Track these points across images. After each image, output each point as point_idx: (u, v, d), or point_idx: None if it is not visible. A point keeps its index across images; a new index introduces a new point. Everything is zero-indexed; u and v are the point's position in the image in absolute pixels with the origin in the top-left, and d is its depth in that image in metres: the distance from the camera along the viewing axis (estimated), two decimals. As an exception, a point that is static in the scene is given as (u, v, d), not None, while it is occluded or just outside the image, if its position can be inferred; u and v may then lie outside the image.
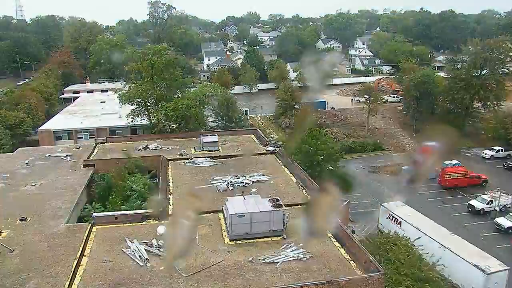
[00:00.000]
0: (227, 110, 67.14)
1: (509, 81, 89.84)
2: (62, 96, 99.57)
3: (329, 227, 21.90)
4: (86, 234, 27.45)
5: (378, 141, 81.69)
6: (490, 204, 50.01)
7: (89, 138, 61.22)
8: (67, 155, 44.68)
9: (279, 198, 28.62)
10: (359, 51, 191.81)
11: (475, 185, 58.19)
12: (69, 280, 22.54)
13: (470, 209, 51.08)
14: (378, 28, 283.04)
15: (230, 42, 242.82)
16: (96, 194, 37.82)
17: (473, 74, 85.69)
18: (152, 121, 58.63)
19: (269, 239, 26.92)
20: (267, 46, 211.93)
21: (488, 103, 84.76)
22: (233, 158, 43.53)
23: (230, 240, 26.70)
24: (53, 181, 37.48)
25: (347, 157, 71.82)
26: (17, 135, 65.25)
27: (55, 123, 66.57)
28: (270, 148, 45.84)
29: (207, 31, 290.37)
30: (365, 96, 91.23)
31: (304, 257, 24.64)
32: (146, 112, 60.05)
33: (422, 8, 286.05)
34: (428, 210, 48.13)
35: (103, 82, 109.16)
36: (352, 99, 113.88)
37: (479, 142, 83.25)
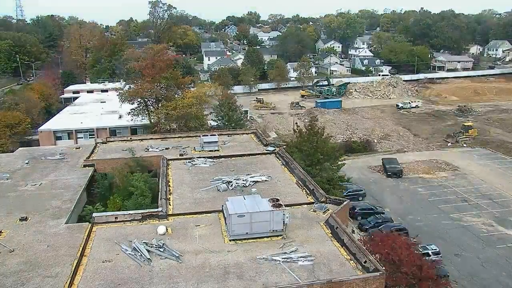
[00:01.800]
0: (228, 110, 67.03)
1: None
2: (62, 96, 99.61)
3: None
4: (86, 234, 27.45)
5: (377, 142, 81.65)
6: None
7: (89, 138, 61.22)
8: (62, 155, 44.60)
9: (279, 198, 28.60)
10: (359, 51, 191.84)
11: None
12: (69, 280, 22.53)
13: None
14: (378, 28, 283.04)
15: (230, 42, 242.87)
16: (98, 193, 37.81)
17: None
18: (152, 121, 58.60)
19: (269, 239, 26.94)
20: (267, 46, 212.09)
21: None
22: (233, 158, 43.51)
23: (230, 240, 26.72)
24: (53, 181, 37.46)
25: (348, 157, 71.91)
26: (16, 134, 65.27)
27: (55, 123, 66.59)
28: (270, 148, 45.80)
29: (207, 31, 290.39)
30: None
31: (304, 257, 24.63)
32: (147, 112, 60.03)
33: (422, 8, 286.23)
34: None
35: (103, 82, 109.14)
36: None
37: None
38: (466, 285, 39.37)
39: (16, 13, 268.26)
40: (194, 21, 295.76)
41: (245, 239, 26.67)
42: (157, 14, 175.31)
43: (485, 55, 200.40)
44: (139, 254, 24.97)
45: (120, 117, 65.73)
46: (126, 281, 22.78)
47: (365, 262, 23.63)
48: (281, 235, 27.08)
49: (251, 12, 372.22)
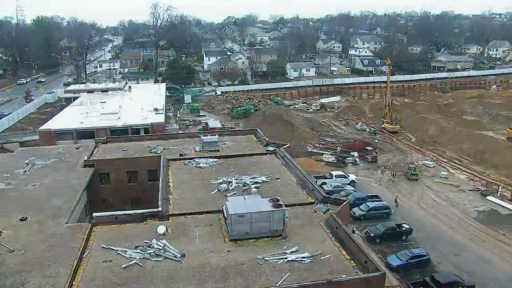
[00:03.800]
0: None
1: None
2: (62, 96, 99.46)
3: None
4: (86, 234, 27.44)
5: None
6: None
7: (89, 138, 60.97)
8: (63, 154, 44.62)
9: (279, 198, 28.60)
10: (359, 51, 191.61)
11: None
12: (69, 280, 22.52)
13: None
14: (378, 28, 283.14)
15: (231, 42, 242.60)
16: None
17: None
18: None
19: (269, 239, 26.92)
20: (267, 46, 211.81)
21: None
22: (234, 158, 43.47)
23: (230, 240, 26.70)
24: (54, 181, 37.43)
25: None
26: None
27: (55, 123, 66.49)
28: (270, 148, 45.76)
29: (207, 31, 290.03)
30: None
31: (304, 257, 24.62)
32: None
33: (422, 8, 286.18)
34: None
35: (104, 82, 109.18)
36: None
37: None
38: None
39: (16, 14, 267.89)
40: (194, 21, 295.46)
41: (245, 239, 26.68)
42: (157, 15, 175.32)
43: (485, 55, 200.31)
44: (140, 254, 24.96)
45: (119, 118, 65.68)
46: (126, 281, 22.79)
47: (365, 262, 23.63)
48: (281, 235, 27.09)
49: (251, 12, 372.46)
